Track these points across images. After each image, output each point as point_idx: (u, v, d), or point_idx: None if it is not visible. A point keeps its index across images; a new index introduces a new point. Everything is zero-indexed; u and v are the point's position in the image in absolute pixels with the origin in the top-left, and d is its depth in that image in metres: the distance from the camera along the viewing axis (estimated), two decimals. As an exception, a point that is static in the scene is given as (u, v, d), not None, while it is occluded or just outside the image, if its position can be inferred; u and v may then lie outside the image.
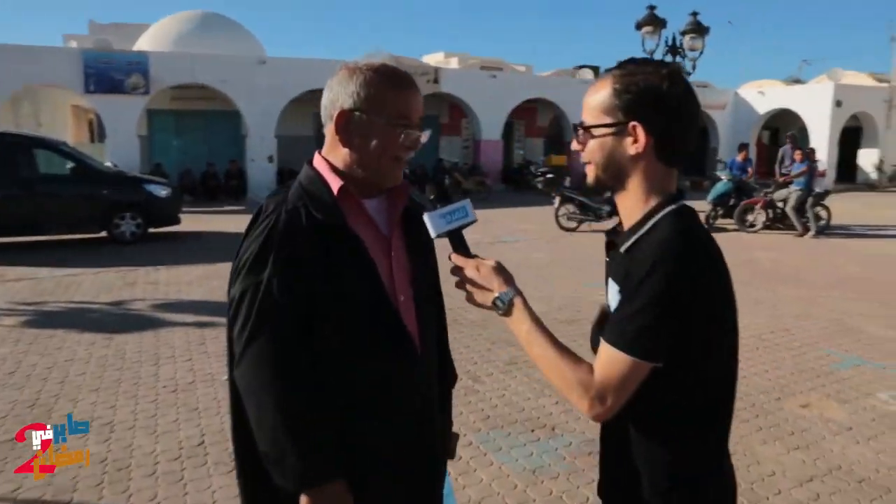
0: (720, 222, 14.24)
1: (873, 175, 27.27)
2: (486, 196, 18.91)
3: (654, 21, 14.21)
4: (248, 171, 20.21)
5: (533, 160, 24.73)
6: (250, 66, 19.58)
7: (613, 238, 1.51)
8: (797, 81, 31.36)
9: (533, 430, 4.25)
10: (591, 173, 1.46)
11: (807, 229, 13.19)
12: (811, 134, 25.32)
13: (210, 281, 8.69)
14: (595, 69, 28.44)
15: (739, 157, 15.09)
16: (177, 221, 12.68)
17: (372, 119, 1.51)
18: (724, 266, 1.35)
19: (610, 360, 1.29)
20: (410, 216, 1.70)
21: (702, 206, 14.28)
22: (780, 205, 13.62)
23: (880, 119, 26.92)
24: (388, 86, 1.52)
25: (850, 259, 10.80)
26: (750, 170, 14.90)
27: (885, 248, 11.91)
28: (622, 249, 1.38)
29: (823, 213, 13.75)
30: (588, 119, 1.42)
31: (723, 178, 14.67)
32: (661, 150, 1.37)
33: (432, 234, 1.48)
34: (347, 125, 1.53)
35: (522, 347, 1.41)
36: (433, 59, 27.95)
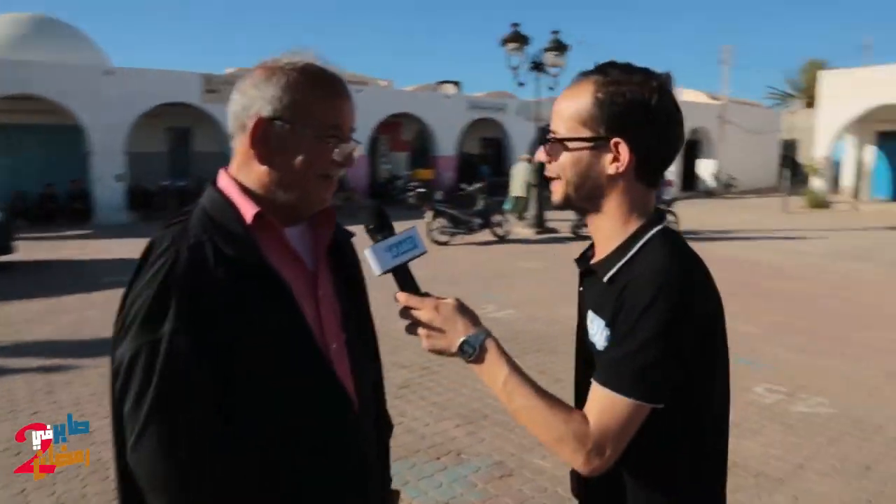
0: (587, 230, 14.74)
1: (711, 183, 30.02)
2: (354, 212, 18.31)
3: (518, 38, 14.65)
4: (95, 191, 18.53)
5: (399, 174, 24.71)
6: (94, 77, 17.98)
7: (587, 266, 1.35)
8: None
9: (438, 458, 4.04)
10: (559, 190, 1.30)
11: None
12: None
13: (56, 316, 7.75)
14: (456, 83, 28.98)
15: None
16: (9, 251, 11.28)
17: (297, 130, 1.25)
18: (716, 289, 1.23)
19: (607, 406, 1.13)
20: (337, 245, 1.45)
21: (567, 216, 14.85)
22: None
23: (715, 133, 29.71)
24: (316, 90, 1.27)
25: (708, 263, 11.47)
26: None
27: (730, 250, 12.85)
28: (605, 279, 1.23)
29: (672, 219, 14.71)
30: (561, 129, 1.26)
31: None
32: (642, 170, 1.24)
33: (376, 271, 1.26)
34: (266, 137, 1.26)
35: (497, 397, 1.20)
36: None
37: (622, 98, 1.19)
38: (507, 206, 15.48)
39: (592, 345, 1.25)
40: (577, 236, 14.58)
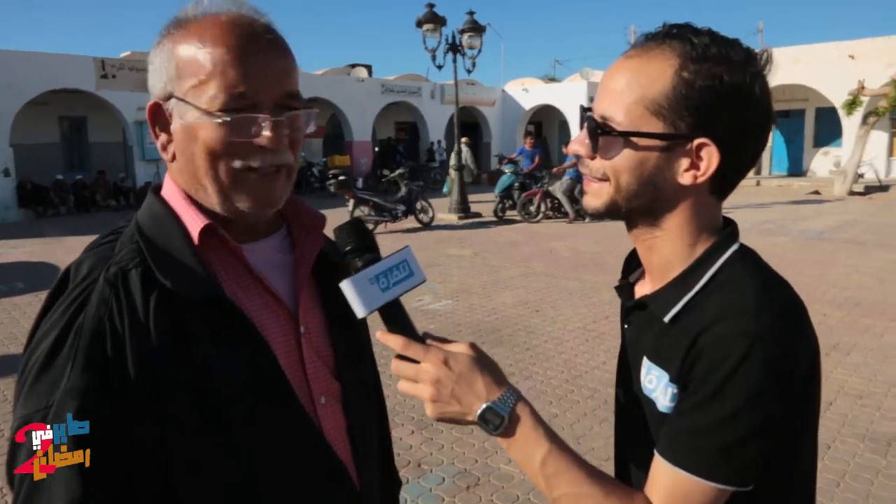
0: (509, 214, 14.84)
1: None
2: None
3: (434, 19, 14.32)
4: (-22, 187, 16.96)
5: (314, 161, 23.97)
6: (-30, 62, 16.38)
7: (633, 299, 1.06)
8: (553, 80, 34.15)
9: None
10: (602, 196, 0.97)
11: (577, 214, 14.21)
12: (571, 128, 27.59)
13: (-57, 330, 6.91)
14: (368, 67, 28.37)
15: (527, 145, 16.12)
16: None
17: (187, 106, 0.90)
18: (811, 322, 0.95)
19: (680, 490, 0.87)
20: (327, 265, 1.09)
21: (491, 198, 14.77)
22: (556, 195, 14.51)
23: (624, 113, 30.15)
24: (204, 45, 0.89)
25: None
26: (537, 158, 15.86)
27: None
28: (666, 318, 0.94)
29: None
30: (619, 116, 0.92)
31: (506, 171, 15.43)
32: (721, 179, 0.94)
33: (359, 312, 0.91)
34: (162, 123, 0.96)
35: (532, 480, 0.91)
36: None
37: (719, 81, 0.88)
38: (445, 188, 15.32)
39: (650, 401, 0.97)
40: (501, 220, 14.55)
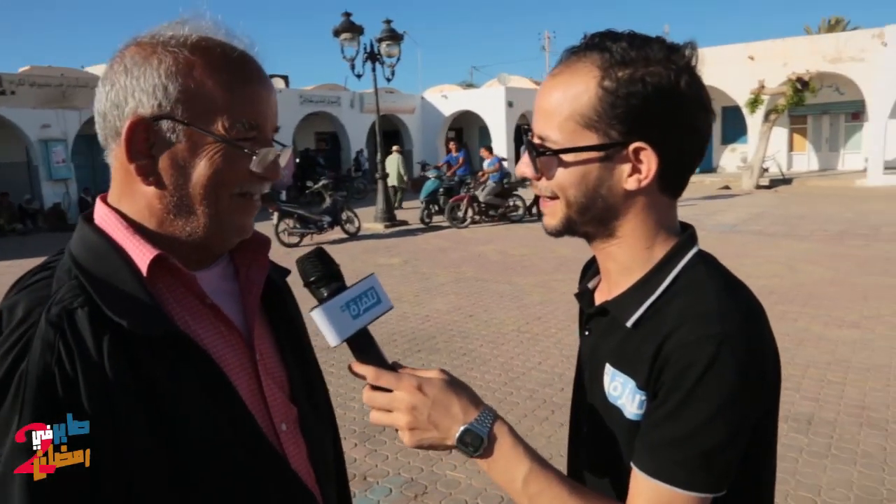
0: (436, 220, 14.95)
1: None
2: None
3: (351, 28, 14.26)
4: None
5: (234, 175, 23.40)
6: None
7: (593, 306, 1.07)
8: (470, 86, 34.55)
9: (342, 486, 3.69)
10: (556, 214, 0.99)
11: (503, 217, 14.59)
12: (492, 132, 27.96)
13: None
14: (285, 77, 27.93)
15: (452, 150, 16.87)
16: None
17: (195, 131, 0.88)
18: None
19: (661, 502, 0.87)
20: (272, 290, 1.08)
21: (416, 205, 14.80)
22: (482, 199, 14.72)
23: (542, 116, 30.75)
24: (220, 74, 0.89)
25: (559, 242, 11.86)
26: (461, 160, 16.26)
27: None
28: (628, 323, 0.95)
29: (519, 203, 15.17)
30: (554, 134, 0.93)
31: (430, 176, 15.61)
32: (668, 178, 0.94)
33: (332, 341, 0.91)
34: (149, 143, 0.89)
35: (515, 500, 0.91)
36: (100, 70, 24.56)
37: (641, 86, 0.88)
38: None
39: (615, 408, 0.97)
40: (428, 226, 14.60)
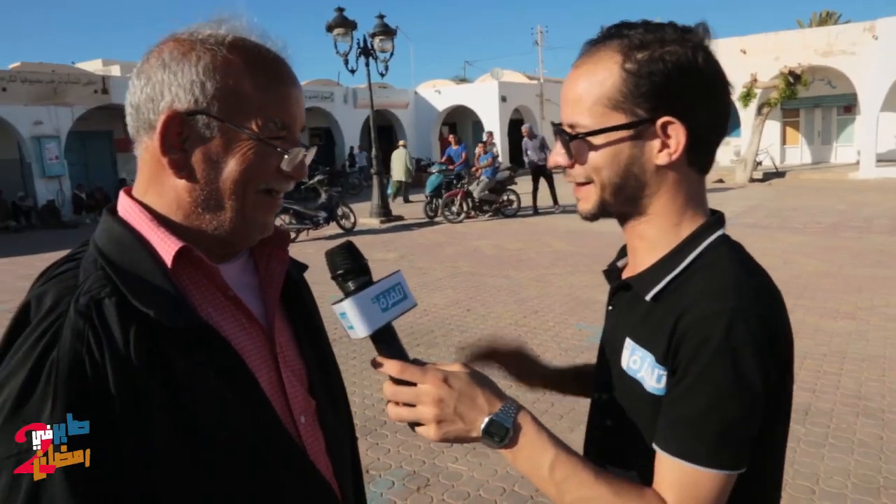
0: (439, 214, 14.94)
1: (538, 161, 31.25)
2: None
3: (344, 23, 14.23)
4: None
5: (228, 171, 23.37)
6: None
7: (619, 279, 1.10)
8: (464, 80, 34.57)
9: (344, 479, 3.71)
10: (591, 198, 1.02)
11: (497, 212, 14.68)
12: (485, 127, 27.95)
13: None
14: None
15: (452, 144, 17.09)
16: None
17: (229, 127, 0.91)
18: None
19: (688, 483, 0.89)
20: (290, 284, 1.10)
21: (418, 199, 14.79)
22: (476, 194, 14.77)
23: (536, 111, 30.99)
24: (256, 74, 0.92)
25: (555, 237, 11.97)
26: (464, 154, 16.40)
27: (576, 224, 13.45)
28: (648, 297, 0.98)
29: (513, 198, 15.20)
30: (583, 120, 0.97)
31: (433, 171, 15.66)
32: (695, 152, 0.98)
33: (361, 332, 0.91)
34: (183, 137, 0.91)
35: (541, 489, 0.92)
36: (91, 66, 24.93)
37: (661, 64, 0.93)
38: (389, 190, 15.44)
39: (635, 381, 0.99)
40: (431, 220, 14.61)
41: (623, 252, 1.19)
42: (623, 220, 1.05)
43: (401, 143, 19.63)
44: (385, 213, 15.33)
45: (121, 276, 0.86)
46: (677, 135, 0.95)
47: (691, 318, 0.89)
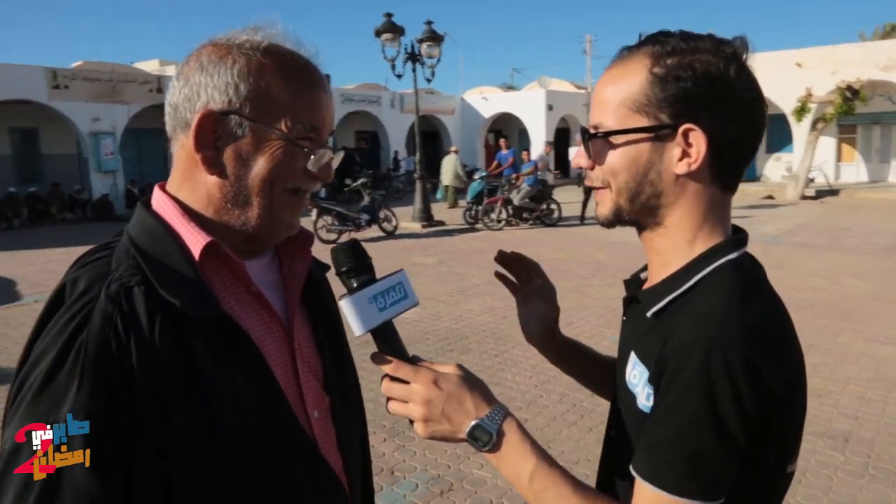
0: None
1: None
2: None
3: (393, 29, 14.36)
4: (-76, 201, 16.39)
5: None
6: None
7: (632, 292, 1.09)
8: (511, 88, 34.52)
9: (370, 480, 3.73)
10: (607, 202, 1.01)
11: (538, 220, 14.59)
12: (531, 135, 27.90)
13: None
14: (327, 77, 28.18)
15: (503, 148, 17.28)
16: None
17: (260, 128, 0.94)
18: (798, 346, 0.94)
19: None
20: (312, 283, 1.13)
21: (460, 205, 14.83)
22: (516, 202, 14.75)
23: (583, 120, 30.57)
24: (287, 79, 0.96)
25: (597, 247, 11.85)
26: (511, 159, 16.54)
27: (618, 235, 13.28)
28: (649, 313, 0.96)
29: (554, 206, 15.09)
30: (607, 121, 0.97)
31: (476, 178, 15.68)
32: (719, 166, 0.95)
33: (357, 330, 0.94)
34: (216, 136, 0.95)
35: (522, 496, 0.93)
36: (148, 66, 25.63)
37: (690, 71, 0.91)
38: (439, 195, 15.48)
39: (632, 396, 0.97)
40: (472, 227, 14.62)
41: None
42: (639, 229, 1.03)
43: (452, 148, 19.75)
44: (427, 217, 15.40)
45: (150, 265, 0.90)
46: (698, 144, 0.92)
47: (675, 343, 0.87)
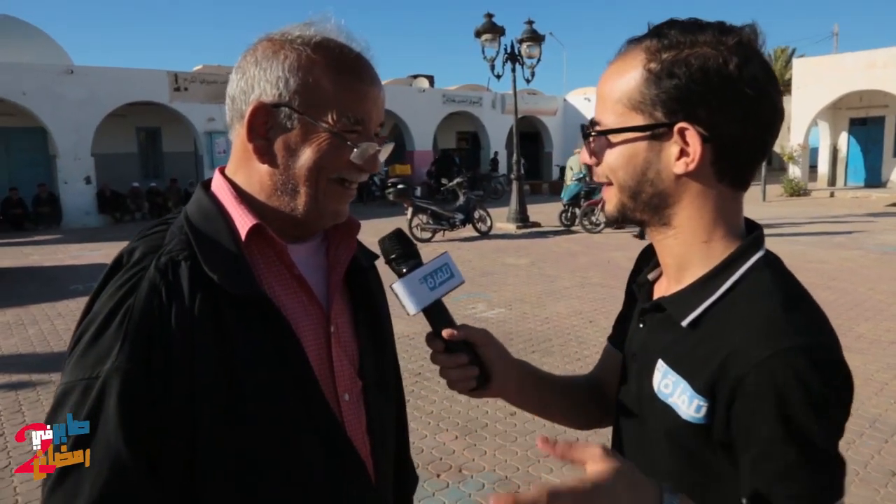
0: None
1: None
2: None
3: (493, 29, 14.38)
4: (62, 194, 17.92)
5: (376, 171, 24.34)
6: (56, 77, 17.32)
7: (651, 300, 1.03)
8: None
9: (438, 475, 3.77)
10: (612, 199, 0.99)
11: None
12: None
13: (24, 329, 7.32)
14: (430, 78, 28.68)
15: None
16: (-27, 258, 10.76)
17: (307, 120, 0.99)
18: None
19: None
20: (357, 270, 1.16)
21: (558, 207, 14.65)
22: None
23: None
24: (335, 73, 1.00)
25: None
26: None
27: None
28: (684, 323, 0.91)
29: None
30: (606, 118, 0.95)
31: (574, 179, 15.39)
32: (724, 166, 0.91)
33: (412, 309, 1.03)
34: (267, 126, 1.00)
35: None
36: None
37: (684, 67, 0.87)
38: (564, 196, 15.32)
39: (666, 406, 0.93)
40: (568, 229, 14.41)
41: (648, 260, 1.13)
42: (646, 227, 1.00)
43: (577, 150, 19.51)
44: (522, 218, 15.30)
45: (199, 241, 0.97)
46: (694, 143, 0.88)
47: (747, 360, 0.82)
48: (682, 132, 0.89)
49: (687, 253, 0.96)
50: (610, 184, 0.98)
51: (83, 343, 0.91)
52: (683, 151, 0.90)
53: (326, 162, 0.99)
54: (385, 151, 1.07)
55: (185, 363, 0.90)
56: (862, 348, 5.93)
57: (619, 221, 1.01)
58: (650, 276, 1.10)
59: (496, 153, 26.94)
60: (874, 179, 23.94)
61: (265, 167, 1.01)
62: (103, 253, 12.50)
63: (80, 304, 8.29)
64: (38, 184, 17.99)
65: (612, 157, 0.95)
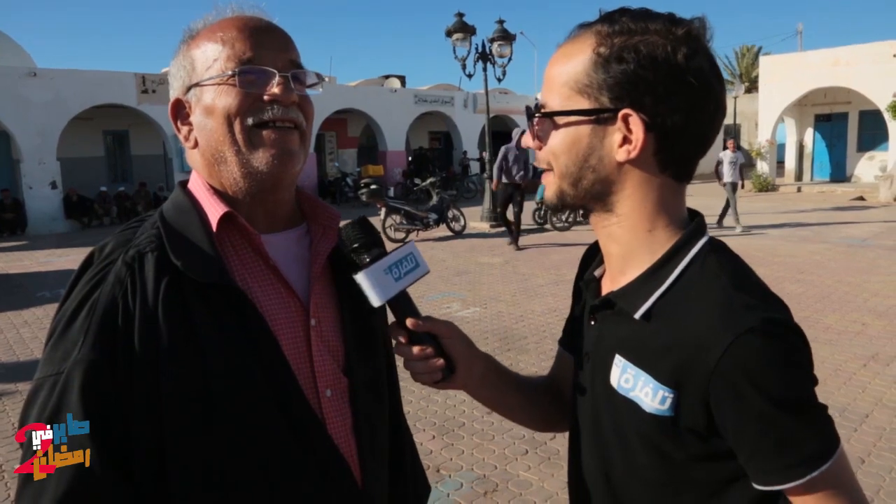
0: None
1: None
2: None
3: (464, 28, 14.38)
4: (27, 200, 17.49)
5: (348, 171, 24.23)
6: (18, 79, 16.85)
7: (598, 296, 1.02)
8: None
9: (416, 476, 3.73)
10: (552, 185, 0.98)
11: None
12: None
13: (-13, 336, 7.15)
14: (401, 77, 28.61)
15: None
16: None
17: (202, 87, 1.00)
18: None
19: (828, 485, 0.84)
20: (341, 260, 1.11)
21: (531, 206, 14.71)
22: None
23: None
24: (217, 29, 1.01)
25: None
26: None
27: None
28: (637, 315, 0.91)
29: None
30: (552, 101, 0.94)
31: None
32: (667, 155, 0.91)
33: (376, 301, 1.00)
34: (185, 115, 1.04)
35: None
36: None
37: (633, 53, 0.87)
38: (537, 195, 15.31)
39: (628, 401, 0.92)
40: (541, 227, 14.47)
41: (593, 258, 1.12)
42: (588, 215, 1.00)
43: None
44: (495, 217, 15.32)
45: (169, 234, 0.96)
46: (636, 130, 0.88)
47: (712, 344, 0.83)
48: (625, 118, 0.89)
49: (632, 241, 0.96)
50: (550, 170, 0.97)
51: (53, 339, 0.92)
52: (626, 139, 0.90)
53: (227, 110, 0.97)
54: (310, 83, 1.05)
55: (150, 354, 0.89)
56: (830, 339, 6.03)
57: (558, 209, 1.00)
58: (596, 273, 1.09)
59: (465, 153, 26.84)
60: (839, 174, 24.45)
61: (196, 151, 1.03)
62: (71, 259, 12.25)
63: (47, 311, 8.14)
64: (2, 189, 17.55)
65: (555, 140, 0.94)
